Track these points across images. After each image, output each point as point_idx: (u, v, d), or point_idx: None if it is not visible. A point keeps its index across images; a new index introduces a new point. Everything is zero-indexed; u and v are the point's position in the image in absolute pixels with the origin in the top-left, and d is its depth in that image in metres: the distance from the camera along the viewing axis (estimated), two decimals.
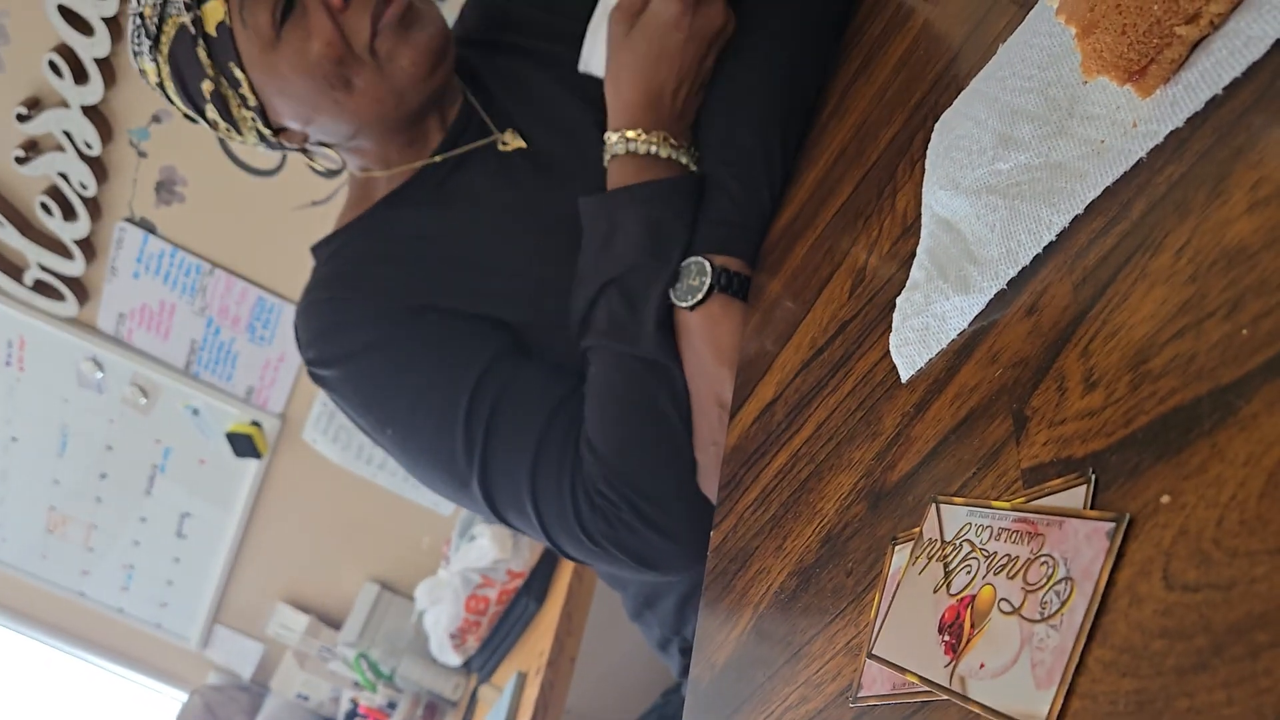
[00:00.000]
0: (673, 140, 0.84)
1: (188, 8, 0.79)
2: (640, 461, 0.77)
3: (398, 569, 2.31)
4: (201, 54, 0.81)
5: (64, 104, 1.68)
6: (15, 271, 1.92)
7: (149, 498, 2.23)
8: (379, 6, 0.81)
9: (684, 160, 0.85)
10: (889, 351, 0.49)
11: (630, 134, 0.83)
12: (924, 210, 0.52)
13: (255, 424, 2.05)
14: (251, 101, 0.83)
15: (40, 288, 1.93)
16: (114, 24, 1.60)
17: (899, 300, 0.49)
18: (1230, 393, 0.26)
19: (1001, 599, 0.31)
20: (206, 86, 0.82)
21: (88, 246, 1.88)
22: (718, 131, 0.85)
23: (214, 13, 0.79)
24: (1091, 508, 0.29)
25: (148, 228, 1.86)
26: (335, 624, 2.34)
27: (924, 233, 0.51)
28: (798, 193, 0.81)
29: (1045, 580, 0.29)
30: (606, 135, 0.85)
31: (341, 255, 0.92)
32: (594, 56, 0.91)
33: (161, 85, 0.85)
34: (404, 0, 0.81)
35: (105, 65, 1.64)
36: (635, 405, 0.78)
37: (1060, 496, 0.31)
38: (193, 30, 0.80)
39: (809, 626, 0.45)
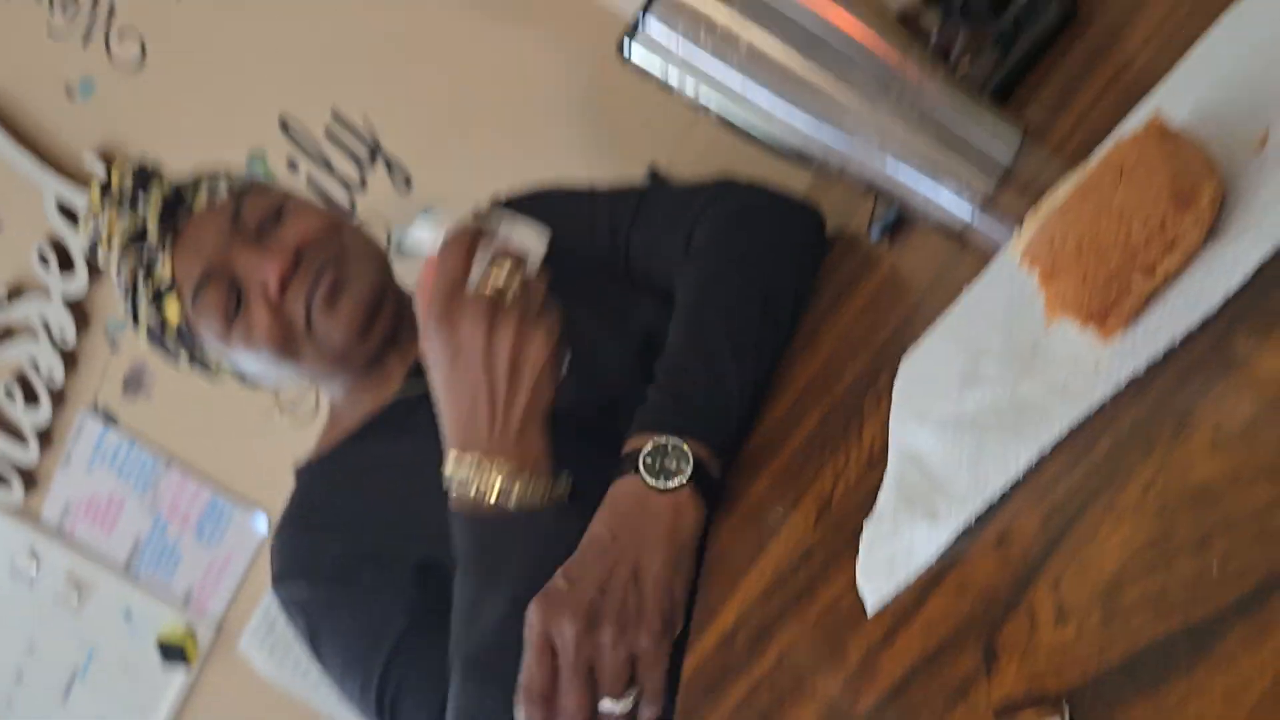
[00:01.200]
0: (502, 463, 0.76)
1: (153, 306, 0.95)
2: None
3: None
4: (171, 343, 0.98)
5: (46, 293, 1.70)
6: None
7: (64, 707, 2.09)
8: (310, 289, 0.91)
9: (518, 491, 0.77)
10: (855, 580, 0.48)
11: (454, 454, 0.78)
12: (891, 442, 0.53)
13: (188, 631, 1.95)
14: (226, 368, 1.00)
15: None
16: None
17: (866, 527, 0.48)
18: (1203, 631, 0.26)
19: None
20: (185, 360, 1.00)
21: (45, 435, 1.85)
22: (689, 335, 0.83)
23: (172, 313, 0.94)
24: None
25: (110, 419, 1.84)
26: None
27: (891, 464, 0.52)
28: (764, 423, 0.82)
29: None
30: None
31: (309, 486, 1.00)
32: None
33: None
34: (329, 279, 0.91)
35: (92, 260, 1.68)
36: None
37: None
38: (158, 331, 0.96)
39: None
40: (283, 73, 1.54)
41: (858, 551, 0.49)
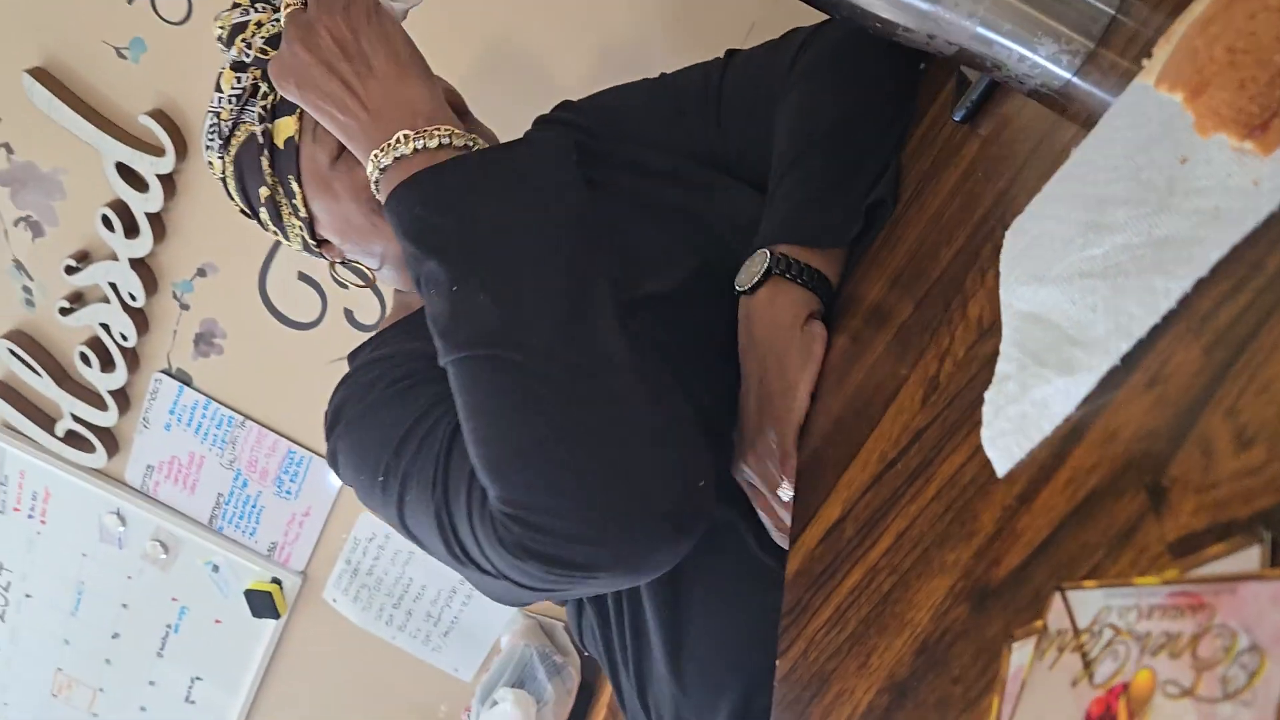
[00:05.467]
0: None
1: (261, 119, 0.84)
2: (523, 476, 0.63)
3: None
4: (265, 163, 0.85)
5: (113, 257, 1.72)
6: (47, 422, 1.92)
7: (160, 660, 2.15)
8: None
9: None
10: (976, 451, 0.46)
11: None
12: (1004, 310, 0.50)
13: (275, 581, 1.99)
14: (302, 213, 0.87)
15: (71, 438, 1.92)
16: (168, 181, 1.65)
17: (988, 394, 0.46)
18: None
19: (1165, 682, 0.27)
20: (264, 192, 0.87)
21: (122, 397, 1.88)
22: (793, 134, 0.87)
23: (286, 128, 0.84)
24: (1272, 567, 0.25)
25: (184, 379, 1.87)
26: None
27: (1007, 330, 0.49)
28: (850, 321, 0.79)
29: (1223, 653, 0.25)
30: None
31: (374, 351, 0.89)
32: None
33: (224, 181, 0.90)
34: None
35: (155, 220, 1.69)
36: (495, 409, 0.65)
37: (1227, 561, 0.27)
38: (261, 140, 0.85)
39: None
40: None
41: (976, 424, 0.46)
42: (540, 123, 1.05)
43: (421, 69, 0.73)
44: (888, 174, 0.83)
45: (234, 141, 0.87)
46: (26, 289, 1.83)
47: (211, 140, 0.89)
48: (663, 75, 1.04)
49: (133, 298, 1.75)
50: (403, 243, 0.68)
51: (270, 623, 2.04)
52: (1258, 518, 0.27)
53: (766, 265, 0.79)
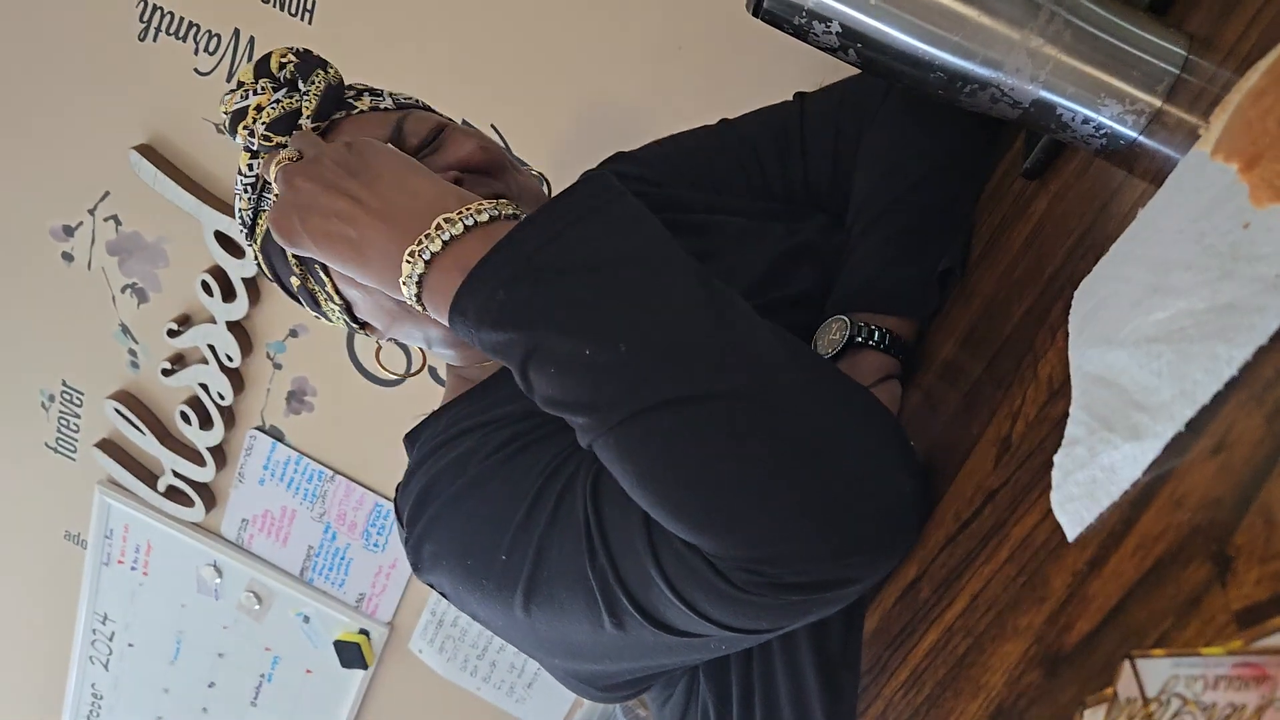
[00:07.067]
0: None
1: None
2: (757, 521, 0.55)
3: None
4: (289, 253, 0.79)
5: (211, 320, 1.81)
6: (150, 478, 2.01)
7: (254, 709, 2.21)
8: None
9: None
10: (1048, 514, 0.46)
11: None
12: (1074, 372, 0.51)
13: (364, 633, 2.04)
14: (337, 301, 0.80)
15: (171, 493, 2.00)
16: None
17: (1057, 458, 0.46)
18: None
19: None
20: (294, 281, 0.82)
21: (219, 454, 1.96)
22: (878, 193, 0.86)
23: None
24: None
25: (276, 436, 1.94)
26: None
27: (1076, 393, 0.49)
28: (924, 378, 0.80)
29: None
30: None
31: (435, 434, 0.82)
32: None
33: (259, 267, 0.86)
34: None
35: (250, 285, 1.77)
36: (691, 461, 0.56)
37: None
38: None
39: None
40: (411, 89, 1.59)
41: (1048, 486, 0.47)
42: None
43: (426, 170, 0.67)
44: (960, 239, 0.84)
45: (258, 230, 0.82)
46: (132, 352, 1.92)
47: (241, 229, 0.85)
48: (724, 121, 1.01)
49: (229, 358, 1.83)
50: (488, 337, 0.59)
51: (359, 673, 2.09)
52: None
53: (848, 334, 0.79)
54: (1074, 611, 0.40)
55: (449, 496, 0.72)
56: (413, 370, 0.88)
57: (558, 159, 1.55)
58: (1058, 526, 0.44)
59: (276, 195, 0.69)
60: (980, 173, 0.89)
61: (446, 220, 0.60)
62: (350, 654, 2.03)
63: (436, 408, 0.87)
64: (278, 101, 0.79)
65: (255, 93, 0.81)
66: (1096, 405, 0.46)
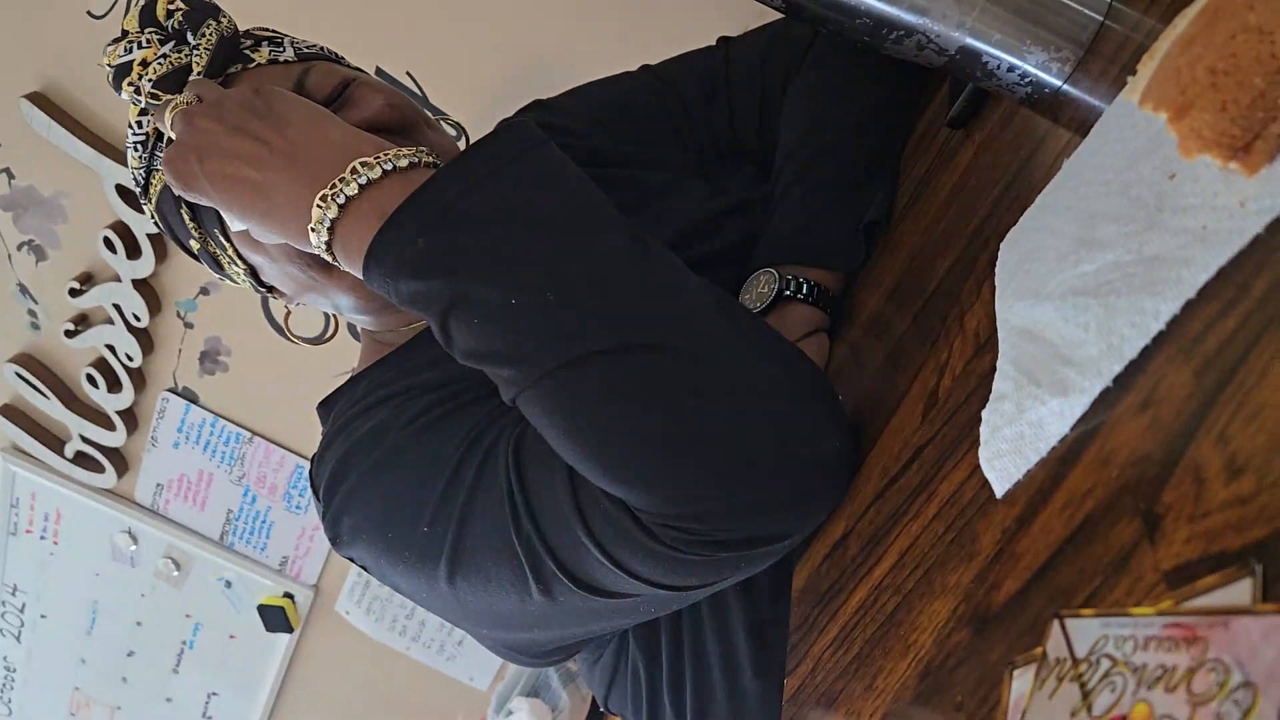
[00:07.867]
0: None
1: None
2: (686, 473, 0.54)
3: None
4: (185, 216, 0.75)
5: (116, 278, 1.73)
6: (56, 444, 1.93)
7: (176, 676, 2.16)
8: None
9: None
10: (975, 470, 0.46)
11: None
12: (1000, 326, 0.50)
13: (288, 596, 2.00)
14: (240, 265, 0.76)
15: (80, 459, 1.93)
16: None
17: (985, 413, 0.46)
18: None
19: (1162, 716, 0.27)
20: (194, 244, 0.77)
21: (130, 417, 1.89)
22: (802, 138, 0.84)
23: None
24: (1263, 601, 0.25)
25: (190, 398, 1.88)
26: None
27: (1003, 347, 0.49)
28: (849, 331, 0.79)
29: (1217, 688, 0.25)
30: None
31: (351, 403, 0.78)
32: None
33: (157, 227, 0.81)
34: None
35: (157, 241, 1.70)
36: (617, 413, 0.54)
37: (1219, 594, 0.27)
38: (174, 194, 0.74)
39: None
40: (323, 35, 1.53)
41: (975, 441, 0.46)
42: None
43: (339, 119, 0.63)
44: (886, 191, 0.83)
45: (153, 189, 0.77)
46: (31, 313, 1.84)
47: (135, 187, 0.79)
48: (646, 67, 0.98)
49: (137, 318, 1.76)
50: (407, 287, 0.56)
51: (284, 637, 2.06)
52: (1249, 549, 0.27)
53: (776, 288, 0.78)
54: (1002, 570, 0.40)
55: (367, 468, 0.70)
56: (326, 336, 0.85)
57: (477, 107, 1.50)
58: (985, 483, 0.44)
59: (172, 138, 0.64)
60: (906, 123, 0.88)
61: (363, 164, 0.58)
62: (275, 618, 1.99)
63: (351, 373, 0.84)
64: (164, 56, 0.73)
65: (141, 45, 0.75)
66: (1023, 360, 0.45)
